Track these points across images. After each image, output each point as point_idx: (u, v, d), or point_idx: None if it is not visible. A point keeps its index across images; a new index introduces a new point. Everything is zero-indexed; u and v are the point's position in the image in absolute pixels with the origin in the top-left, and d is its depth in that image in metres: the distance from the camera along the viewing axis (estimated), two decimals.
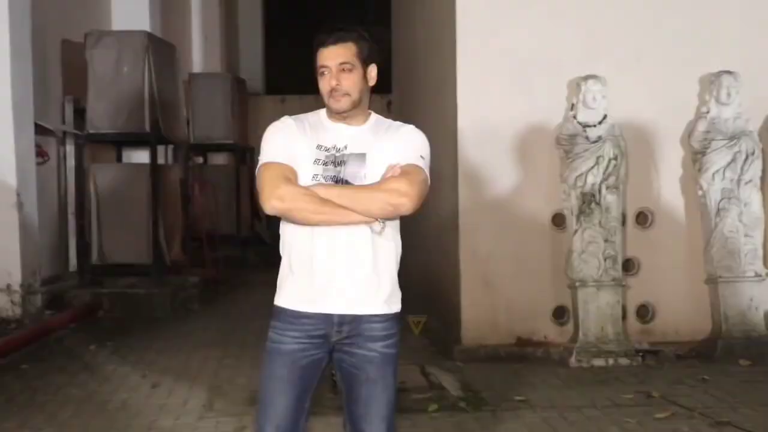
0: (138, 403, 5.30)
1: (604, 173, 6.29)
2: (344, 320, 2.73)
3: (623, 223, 6.44)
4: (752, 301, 6.44)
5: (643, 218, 6.63)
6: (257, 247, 13.92)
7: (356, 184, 2.71)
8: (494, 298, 6.51)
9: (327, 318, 2.73)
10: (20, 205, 7.98)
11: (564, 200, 6.41)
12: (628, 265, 6.52)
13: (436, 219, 7.12)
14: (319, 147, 2.74)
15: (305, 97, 12.67)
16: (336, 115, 2.77)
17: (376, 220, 2.68)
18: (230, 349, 6.91)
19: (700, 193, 6.52)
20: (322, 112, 2.83)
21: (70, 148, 9.59)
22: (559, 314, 6.54)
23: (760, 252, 6.49)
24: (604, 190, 6.29)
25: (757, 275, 6.45)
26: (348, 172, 2.72)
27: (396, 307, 2.81)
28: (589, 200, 6.30)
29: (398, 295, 2.82)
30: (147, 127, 9.02)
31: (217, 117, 13.13)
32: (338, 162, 2.72)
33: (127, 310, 8.63)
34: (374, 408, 2.77)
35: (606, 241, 6.29)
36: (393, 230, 2.79)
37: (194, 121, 12.77)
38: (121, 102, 8.99)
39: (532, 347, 6.43)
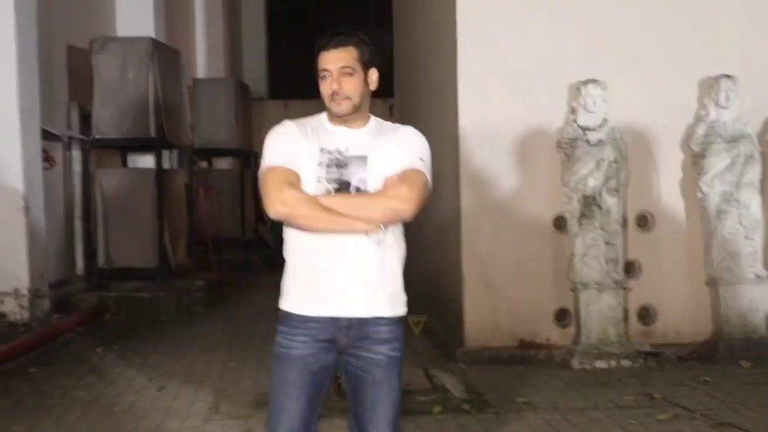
0: (144, 406, 5.34)
1: (604, 176, 6.32)
2: (351, 323, 2.75)
3: (624, 225, 6.47)
4: (753, 303, 6.46)
5: (643, 221, 6.66)
6: (261, 250, 13.99)
7: (358, 185, 2.73)
8: (496, 301, 6.54)
9: (334, 321, 2.75)
10: (27, 210, 8.03)
11: (565, 203, 6.45)
12: (630, 268, 6.55)
13: (438, 221, 7.16)
14: (321, 150, 2.75)
15: (308, 102, 12.59)
16: (337, 118, 2.79)
17: (378, 227, 2.70)
18: (235, 352, 6.96)
19: (700, 195, 6.56)
20: (323, 115, 2.85)
21: (76, 153, 9.65)
22: (561, 316, 6.57)
23: (760, 254, 6.52)
24: (604, 193, 6.32)
25: (758, 277, 6.48)
26: (350, 174, 2.74)
27: (401, 310, 2.83)
28: (590, 203, 6.33)
29: (404, 298, 2.84)
30: (152, 132, 9.08)
31: (221, 122, 13.20)
32: (341, 164, 2.74)
33: (133, 314, 8.69)
34: (380, 410, 2.79)
35: (607, 243, 6.32)
36: (397, 233, 2.81)
37: (198, 126, 12.82)
38: (127, 107, 9.06)
39: (535, 349, 6.46)
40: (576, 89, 6.45)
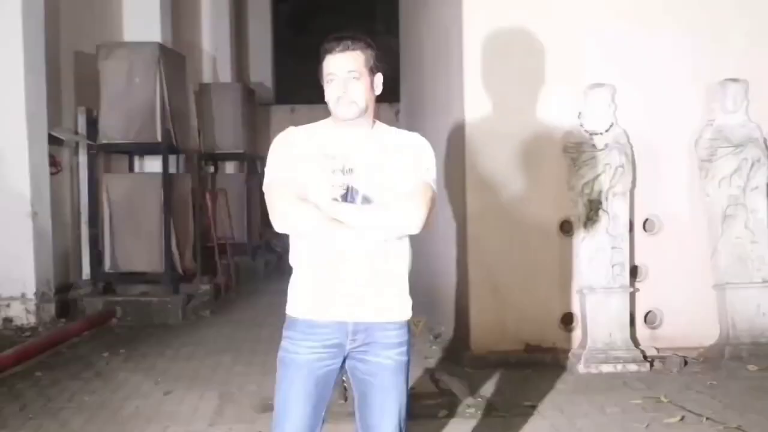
0: (150, 410, 5.35)
1: (611, 181, 6.31)
2: (358, 328, 2.75)
3: (630, 229, 6.46)
4: (759, 307, 6.43)
5: (650, 225, 6.66)
6: (268, 255, 14.02)
7: (363, 191, 2.73)
8: (503, 305, 6.53)
9: (341, 326, 2.75)
10: (34, 215, 8.08)
11: (572, 207, 6.45)
12: (636, 272, 6.55)
13: (444, 225, 7.16)
14: (326, 156, 2.76)
15: (315, 107, 12.63)
16: (342, 122, 2.79)
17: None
18: (241, 356, 6.96)
19: (706, 199, 6.55)
20: (328, 120, 2.86)
21: (83, 158, 9.68)
22: (568, 321, 6.56)
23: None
24: (611, 198, 6.32)
25: (765, 281, 6.46)
26: (355, 180, 2.74)
27: (407, 314, 2.84)
28: (596, 207, 6.33)
29: (410, 302, 2.85)
30: (159, 137, 9.10)
31: (228, 126, 13.22)
32: (346, 170, 2.74)
33: (140, 318, 8.73)
34: (387, 415, 2.80)
35: (613, 248, 6.31)
36: (404, 238, 2.82)
37: (205, 131, 12.85)
38: (133, 112, 9.08)
39: (541, 353, 6.45)
40: (583, 93, 6.44)
